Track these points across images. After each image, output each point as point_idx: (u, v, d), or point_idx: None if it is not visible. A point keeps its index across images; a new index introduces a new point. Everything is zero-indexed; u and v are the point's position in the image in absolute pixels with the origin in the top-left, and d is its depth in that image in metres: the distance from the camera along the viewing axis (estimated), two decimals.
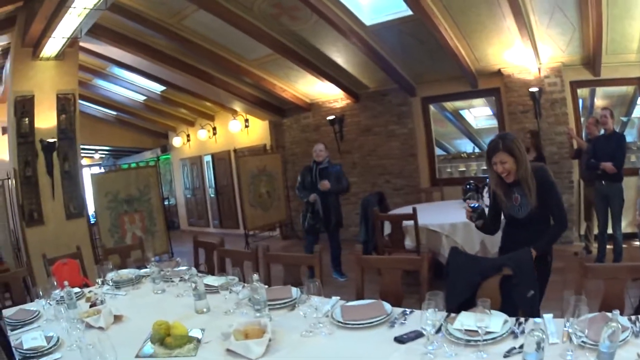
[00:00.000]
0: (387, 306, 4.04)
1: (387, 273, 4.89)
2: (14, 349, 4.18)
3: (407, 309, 4.00)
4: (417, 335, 3.42)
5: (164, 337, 4.01)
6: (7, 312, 5.64)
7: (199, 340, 4.03)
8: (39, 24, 9.93)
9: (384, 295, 4.56)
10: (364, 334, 3.69)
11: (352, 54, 12.16)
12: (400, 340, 3.43)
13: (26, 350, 4.29)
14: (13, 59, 11.33)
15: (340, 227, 10.80)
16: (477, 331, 3.13)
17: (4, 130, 17.59)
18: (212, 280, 5.54)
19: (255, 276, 4.39)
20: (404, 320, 3.80)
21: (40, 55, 11.17)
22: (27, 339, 4.44)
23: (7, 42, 12.06)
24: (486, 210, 5.50)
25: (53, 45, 10.83)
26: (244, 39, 11.71)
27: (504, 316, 3.41)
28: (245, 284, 4.93)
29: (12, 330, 5.06)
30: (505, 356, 3.02)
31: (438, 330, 3.29)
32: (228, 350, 3.67)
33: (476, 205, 5.41)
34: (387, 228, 9.44)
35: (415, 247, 8.63)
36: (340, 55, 12.34)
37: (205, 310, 4.80)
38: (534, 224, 4.91)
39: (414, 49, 11.54)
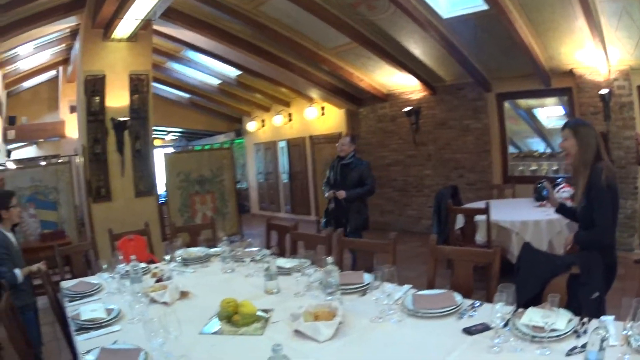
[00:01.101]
0: (458, 297, 4.01)
1: (459, 265, 4.86)
2: (70, 319, 4.44)
3: (476, 301, 3.97)
4: (484, 327, 3.40)
5: (232, 315, 4.06)
6: (66, 284, 5.79)
7: (266, 320, 4.06)
8: (111, 5, 10.05)
9: (454, 286, 4.50)
10: (433, 324, 3.68)
11: (429, 46, 12.05)
12: (468, 331, 3.42)
13: (84, 321, 4.38)
14: (83, 40, 11.53)
15: (364, 230, 9.92)
16: (542, 327, 3.10)
17: (73, 109, 17.98)
18: (284, 262, 5.57)
19: (330, 259, 4.40)
20: (473, 312, 3.78)
21: (112, 37, 11.36)
22: (86, 310, 4.54)
23: (76, 23, 12.32)
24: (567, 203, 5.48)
25: (125, 27, 10.99)
26: (321, 27, 11.70)
27: (569, 314, 3.35)
28: (317, 267, 4.95)
29: (70, 301, 5.20)
30: (567, 354, 2.99)
31: (506, 324, 3.24)
32: (296, 331, 3.69)
33: (545, 191, 5.48)
34: (460, 222, 9.37)
35: (486, 242, 8.60)
36: (417, 47, 12.24)
37: (275, 291, 4.83)
38: (585, 222, 4.86)
39: (488, 44, 11.41)
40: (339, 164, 9.86)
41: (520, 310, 3.39)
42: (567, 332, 3.18)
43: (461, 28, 10.94)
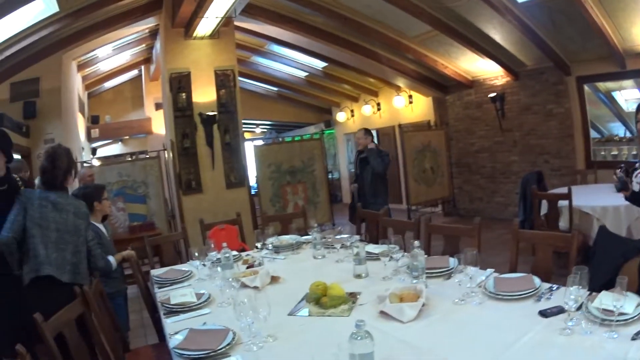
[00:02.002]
0: (537, 280, 4.04)
1: (539, 249, 4.90)
2: (159, 303, 4.63)
3: (554, 285, 3.98)
4: (559, 310, 3.41)
5: (320, 297, 4.18)
6: (156, 272, 6.04)
7: (354, 302, 4.16)
8: (189, 5, 10.29)
9: (534, 270, 4.52)
10: (512, 306, 3.72)
11: (507, 31, 11.95)
12: (543, 314, 3.45)
13: (173, 305, 4.56)
14: (164, 39, 11.87)
15: None
16: (612, 311, 3.10)
17: (158, 106, 18.33)
18: (373, 248, 5.63)
19: (416, 242, 4.45)
20: (550, 295, 3.79)
21: (194, 35, 11.66)
22: (176, 295, 4.74)
23: (154, 23, 12.74)
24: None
25: (206, 25, 11.22)
26: (402, 16, 11.69)
27: (637, 299, 3.34)
28: (405, 252, 5.00)
29: (159, 288, 5.40)
30: (633, 338, 2.98)
31: (579, 307, 3.27)
32: (381, 312, 3.79)
33: (621, 175, 5.42)
34: (544, 208, 9.33)
35: (569, 228, 8.51)
36: (497, 32, 12.15)
37: (363, 275, 4.93)
38: None
39: (564, 26, 11.23)
40: (358, 158, 10.15)
41: (593, 293, 3.40)
42: (635, 316, 3.18)
43: (536, 11, 10.81)
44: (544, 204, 9.32)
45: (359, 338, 2.79)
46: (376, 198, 9.93)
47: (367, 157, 9.99)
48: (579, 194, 8.94)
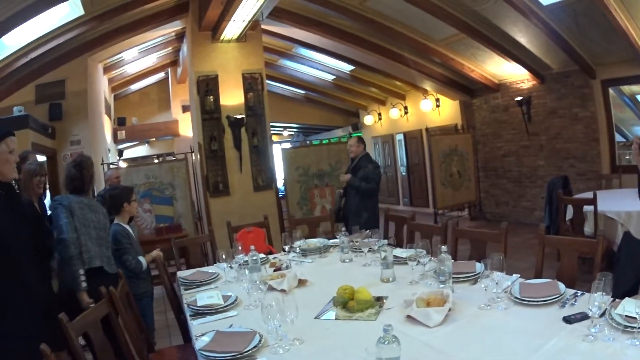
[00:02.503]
0: (561, 286, 4.03)
1: (565, 254, 4.88)
2: (186, 305, 4.65)
3: (578, 291, 3.97)
4: (583, 316, 3.41)
5: (347, 301, 4.21)
6: (182, 273, 6.09)
7: (381, 306, 4.17)
8: (215, 9, 10.36)
9: (559, 276, 4.55)
10: (537, 312, 3.73)
11: (533, 34, 11.89)
12: (567, 320, 3.45)
13: (200, 307, 4.58)
14: (191, 42, 11.99)
15: None
16: (635, 318, 3.08)
17: (185, 109, 18.47)
18: (400, 252, 5.66)
19: (444, 247, 4.44)
20: (575, 301, 3.79)
21: (221, 38, 11.76)
22: (203, 297, 4.75)
23: (181, 27, 12.84)
24: None
25: (233, 29, 11.32)
26: (428, 19, 11.70)
27: None
28: (432, 257, 4.98)
29: (185, 289, 5.45)
30: None
31: (603, 314, 3.25)
32: (408, 316, 3.80)
33: None
34: (569, 213, 9.28)
35: (594, 233, 8.41)
36: (522, 35, 12.10)
37: (390, 279, 4.95)
38: None
39: (588, 29, 11.14)
40: (351, 167, 9.86)
41: (617, 300, 3.38)
42: None
43: (561, 14, 10.74)
44: (570, 209, 9.29)
45: (386, 342, 2.81)
46: (360, 212, 9.46)
47: (359, 168, 9.66)
48: (603, 199, 8.86)
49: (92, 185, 6.12)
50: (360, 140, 10.06)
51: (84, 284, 5.35)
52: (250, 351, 3.53)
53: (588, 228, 8.75)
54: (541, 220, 11.64)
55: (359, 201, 9.53)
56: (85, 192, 5.94)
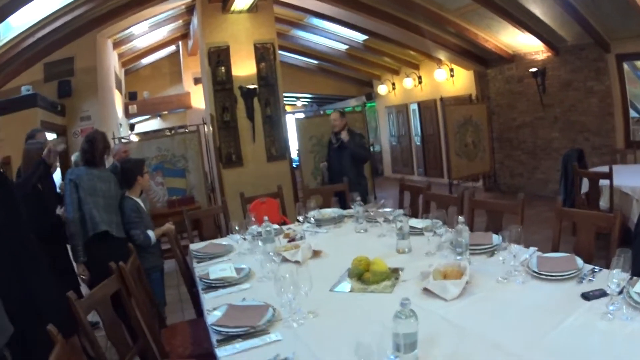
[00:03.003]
0: (579, 261, 3.97)
1: (582, 229, 4.80)
2: (198, 278, 4.68)
3: (596, 267, 3.91)
4: (601, 293, 3.35)
5: (363, 273, 4.17)
6: (195, 246, 6.08)
7: (396, 278, 4.13)
8: None
9: (577, 250, 4.48)
10: (554, 286, 3.69)
11: (547, 5, 11.75)
12: (586, 296, 3.39)
13: (212, 280, 4.57)
14: (201, 14, 11.97)
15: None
16: None
17: (197, 81, 18.49)
18: (416, 222, 5.61)
19: (461, 218, 4.41)
20: (592, 277, 3.73)
21: (231, 9, 11.71)
22: (215, 270, 4.74)
23: None
24: None
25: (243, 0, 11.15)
26: None
27: None
28: (448, 228, 4.95)
29: (198, 262, 5.44)
30: None
31: (621, 291, 3.20)
32: (425, 289, 3.76)
33: None
34: (585, 186, 9.22)
35: (609, 208, 8.39)
36: (537, 7, 11.96)
37: (406, 250, 4.92)
38: None
39: (603, 2, 11.00)
40: (336, 142, 10.09)
41: (634, 278, 3.33)
42: None
43: None
44: (585, 183, 9.22)
45: (403, 317, 2.75)
46: (360, 180, 9.97)
47: (346, 145, 9.91)
48: (618, 173, 8.74)
49: (104, 157, 6.63)
50: (343, 114, 10.44)
51: (81, 258, 6.12)
52: (263, 325, 3.48)
53: (603, 202, 8.69)
54: (555, 192, 11.61)
55: (357, 169, 9.95)
56: (96, 164, 6.45)
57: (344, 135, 9.91)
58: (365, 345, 2.62)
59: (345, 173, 9.68)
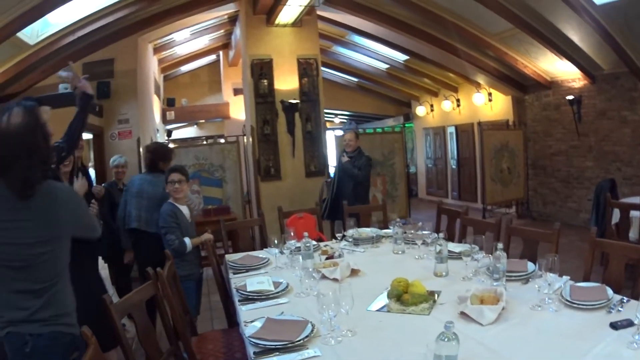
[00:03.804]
0: (610, 291, 4.04)
1: (613, 259, 4.85)
2: (234, 290, 4.70)
3: (625, 297, 3.99)
4: (629, 323, 3.43)
5: (402, 294, 4.21)
6: (231, 257, 6.15)
7: (434, 301, 4.18)
8: None
9: (606, 280, 4.52)
10: (585, 315, 3.76)
11: (585, 33, 11.76)
12: (614, 326, 3.46)
13: (250, 292, 4.61)
14: (245, 25, 12.07)
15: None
16: None
17: (236, 92, 18.60)
18: (453, 246, 5.67)
19: (500, 245, 4.45)
20: (621, 307, 3.80)
21: (276, 22, 11.84)
22: (253, 282, 4.81)
23: (234, 9, 12.92)
24: None
25: (288, 13, 11.40)
26: (483, 12, 11.61)
27: None
28: (485, 253, 4.98)
29: (234, 273, 5.50)
30: None
31: None
32: (462, 313, 3.82)
33: None
34: (615, 217, 9.18)
35: (638, 239, 8.40)
36: (575, 33, 11.98)
37: (444, 273, 4.97)
38: None
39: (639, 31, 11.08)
40: (345, 161, 10.10)
41: None
42: None
43: (613, 14, 10.62)
44: (616, 213, 9.19)
45: (446, 339, 2.85)
46: (356, 203, 9.72)
47: (351, 165, 9.99)
48: None
49: (162, 165, 7.41)
50: (357, 135, 10.46)
51: (127, 245, 7.53)
52: (301, 341, 3.53)
53: (633, 234, 8.69)
54: (586, 222, 11.63)
55: (355, 190, 9.98)
56: (154, 171, 7.38)
57: (344, 159, 10.03)
58: None
59: (347, 194, 9.81)
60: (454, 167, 20.87)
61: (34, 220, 3.23)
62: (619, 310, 3.77)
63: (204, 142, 12.67)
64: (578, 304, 3.88)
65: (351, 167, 9.90)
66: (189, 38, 17.08)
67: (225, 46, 20.16)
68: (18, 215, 3.21)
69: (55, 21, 9.56)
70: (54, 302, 3.33)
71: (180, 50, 18.81)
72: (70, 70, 5.54)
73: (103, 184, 8.54)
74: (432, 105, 22.09)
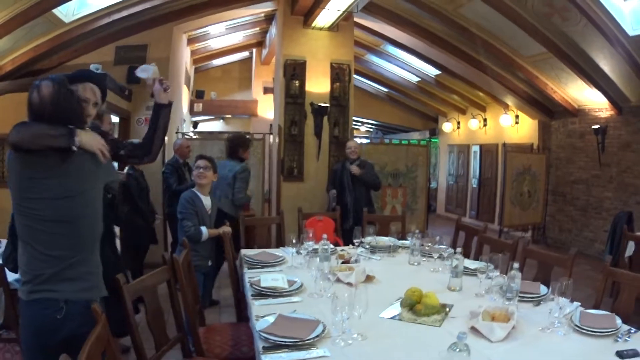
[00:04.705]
0: (618, 320, 4.09)
1: (625, 289, 4.89)
2: (248, 284, 4.78)
3: (632, 328, 4.03)
4: (634, 353, 3.49)
5: (415, 304, 4.26)
6: (247, 252, 6.20)
7: (446, 314, 4.22)
8: None
9: (616, 310, 4.56)
10: (593, 341, 3.79)
11: (616, 63, 11.76)
12: (620, 355, 3.50)
13: (263, 287, 4.67)
14: (282, 25, 12.13)
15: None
16: None
17: (266, 90, 18.69)
18: (469, 263, 5.72)
19: (516, 264, 4.47)
20: (628, 337, 3.85)
21: (313, 25, 11.88)
22: (267, 278, 4.87)
23: (272, 8, 12.93)
24: None
25: (326, 17, 11.41)
26: (518, 34, 11.67)
27: None
28: (500, 272, 5.04)
29: (249, 268, 5.57)
30: None
31: None
32: (472, 328, 3.85)
33: None
34: (630, 249, 9.15)
35: None
36: (606, 63, 11.98)
37: (457, 288, 5.01)
38: None
39: None
40: (349, 165, 10.25)
41: None
42: None
43: None
44: (630, 246, 9.15)
45: (457, 350, 2.90)
46: (370, 209, 10.04)
47: (358, 177, 10.16)
48: None
49: (241, 152, 8.88)
50: (360, 145, 10.85)
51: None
52: (312, 340, 3.58)
53: None
54: (600, 252, 11.63)
55: (368, 196, 10.32)
56: (235, 157, 8.84)
57: (355, 170, 10.09)
58: None
59: (359, 199, 10.06)
60: (474, 186, 20.85)
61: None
62: (626, 340, 3.81)
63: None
64: (587, 330, 3.92)
65: (368, 176, 10.16)
66: (224, 32, 17.20)
67: (260, 44, 20.23)
68: None
69: (92, 1, 9.62)
70: None
71: (214, 44, 18.90)
72: (149, 71, 4.78)
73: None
74: (458, 123, 22.12)
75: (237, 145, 8.83)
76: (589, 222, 14.96)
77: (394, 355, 3.53)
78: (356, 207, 9.92)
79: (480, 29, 12.42)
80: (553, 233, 16.25)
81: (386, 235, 7.58)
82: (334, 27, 12.16)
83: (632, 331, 3.97)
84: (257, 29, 17.70)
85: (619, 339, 3.82)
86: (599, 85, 12.98)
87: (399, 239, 7.39)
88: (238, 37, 18.80)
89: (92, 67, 10.56)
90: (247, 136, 10.39)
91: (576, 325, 4.00)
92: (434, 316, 4.14)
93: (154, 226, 8.83)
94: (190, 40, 16.72)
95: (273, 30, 15.16)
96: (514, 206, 15.44)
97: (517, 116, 17.77)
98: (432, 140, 23.55)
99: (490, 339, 3.72)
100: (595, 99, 14.07)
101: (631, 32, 10.39)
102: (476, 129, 20.37)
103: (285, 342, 3.56)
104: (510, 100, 17.10)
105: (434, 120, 24.78)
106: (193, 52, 18.53)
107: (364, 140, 14.84)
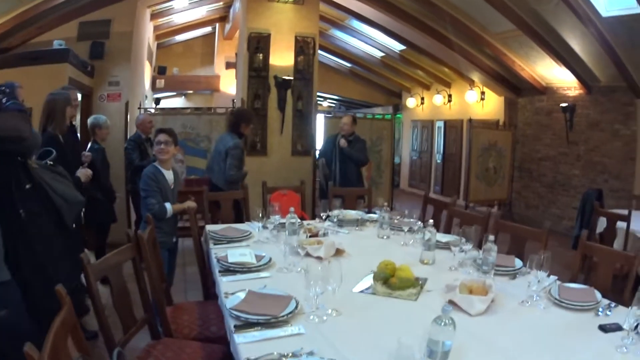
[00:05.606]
0: (598, 294, 4.05)
1: (601, 264, 4.88)
2: (215, 260, 4.65)
3: (612, 302, 3.98)
4: (617, 327, 3.43)
5: (389, 277, 4.15)
6: (212, 227, 6.08)
7: (421, 287, 4.14)
8: None
9: (593, 285, 4.46)
10: (573, 316, 3.75)
11: (587, 43, 11.78)
12: (603, 328, 3.47)
13: (231, 263, 4.54)
14: None
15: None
16: None
17: (228, 65, 18.67)
18: (440, 236, 5.59)
19: (491, 237, 4.39)
20: (609, 311, 3.80)
21: None
22: (235, 253, 4.73)
23: None
24: None
25: None
26: (488, 10, 11.59)
27: None
28: (472, 245, 4.92)
29: (215, 244, 5.44)
30: None
31: (636, 327, 3.25)
32: (450, 301, 3.72)
33: None
34: (600, 227, 9.16)
35: (622, 251, 8.38)
36: (577, 43, 12.01)
37: (430, 262, 4.93)
38: None
39: None
40: (340, 140, 10.34)
41: None
42: None
43: (618, 29, 10.65)
44: (601, 223, 9.15)
45: (442, 324, 2.78)
46: (359, 184, 10.39)
47: (345, 152, 10.27)
48: (635, 218, 8.70)
49: (242, 127, 8.76)
50: (355, 120, 10.66)
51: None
52: (285, 317, 3.45)
53: (617, 245, 8.64)
54: (568, 229, 11.61)
55: (358, 172, 10.51)
56: (232, 131, 8.75)
57: (342, 142, 10.18)
58: (407, 346, 2.65)
59: (349, 175, 10.24)
60: (438, 161, 21.02)
61: None
62: (607, 314, 3.77)
63: (197, 112, 12.55)
64: (567, 304, 3.87)
65: (355, 152, 10.20)
66: (187, 7, 17.16)
67: (223, 19, 20.23)
68: None
69: None
70: None
71: (177, 19, 18.84)
72: None
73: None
74: (422, 98, 22.19)
75: (239, 119, 8.68)
76: (556, 199, 15.08)
77: (369, 329, 3.45)
78: (343, 181, 10.09)
79: (449, 4, 12.38)
80: (519, 209, 16.34)
81: (353, 208, 7.54)
82: (299, 0, 12.06)
83: (613, 305, 3.93)
84: (221, 3, 17.69)
85: (599, 313, 3.78)
86: (569, 64, 13.00)
87: (367, 213, 7.35)
88: (201, 12, 18.81)
89: (55, 42, 10.43)
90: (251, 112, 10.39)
91: (556, 299, 3.94)
92: (409, 290, 4.04)
93: (114, 205, 8.71)
94: (154, 16, 16.56)
95: (237, 4, 15.02)
96: (480, 182, 15.50)
97: (482, 92, 17.84)
98: (397, 116, 23.59)
99: (470, 313, 3.64)
100: (564, 77, 14.11)
101: (604, 13, 10.40)
102: (440, 104, 20.44)
103: (257, 319, 3.41)
104: (476, 77, 17.17)
105: (397, 96, 24.91)
106: (156, 28, 18.36)
107: (329, 115, 14.69)
